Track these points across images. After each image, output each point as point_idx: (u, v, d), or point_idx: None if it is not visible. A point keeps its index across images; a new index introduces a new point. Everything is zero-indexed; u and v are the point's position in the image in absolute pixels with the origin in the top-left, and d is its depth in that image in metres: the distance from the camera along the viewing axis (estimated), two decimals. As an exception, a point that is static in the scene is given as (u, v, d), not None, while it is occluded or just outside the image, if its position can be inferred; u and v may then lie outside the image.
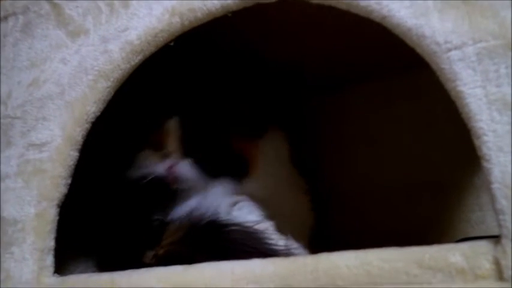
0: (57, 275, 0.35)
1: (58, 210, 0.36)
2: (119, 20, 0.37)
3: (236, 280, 0.28)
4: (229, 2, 0.34)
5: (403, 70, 0.55)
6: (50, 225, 0.35)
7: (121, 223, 0.44)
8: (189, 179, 0.44)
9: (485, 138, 0.26)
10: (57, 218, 0.36)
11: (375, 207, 0.56)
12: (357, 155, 0.59)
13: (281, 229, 0.42)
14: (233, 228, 0.40)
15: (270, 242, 0.39)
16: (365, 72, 0.58)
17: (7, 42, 0.42)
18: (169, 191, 0.44)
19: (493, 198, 0.25)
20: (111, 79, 0.37)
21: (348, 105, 0.61)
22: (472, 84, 0.27)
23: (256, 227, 0.41)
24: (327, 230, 0.53)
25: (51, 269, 0.35)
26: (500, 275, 0.24)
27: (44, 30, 0.40)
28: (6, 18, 0.43)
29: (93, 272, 0.42)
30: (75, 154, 0.36)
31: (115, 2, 0.38)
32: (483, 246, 0.25)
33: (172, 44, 0.36)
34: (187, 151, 0.44)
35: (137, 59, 0.36)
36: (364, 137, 0.59)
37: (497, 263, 0.24)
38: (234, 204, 0.44)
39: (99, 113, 0.37)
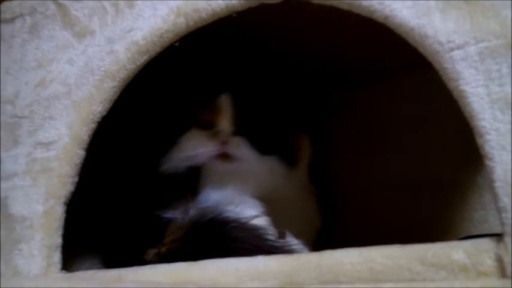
0: (65, 272, 0.36)
1: (65, 208, 0.36)
2: (124, 21, 0.38)
3: (240, 277, 0.29)
4: (233, 2, 0.34)
5: (404, 71, 0.55)
6: (58, 222, 0.36)
7: (125, 221, 0.44)
8: (242, 157, 0.42)
9: (487, 137, 0.26)
10: (64, 215, 0.36)
11: (378, 206, 0.56)
12: (359, 155, 0.59)
13: (290, 229, 0.42)
14: (234, 225, 0.40)
15: (271, 239, 0.39)
16: (367, 73, 0.58)
17: (14, 43, 0.42)
18: (192, 183, 0.43)
19: (495, 197, 0.26)
20: (117, 79, 0.37)
21: (349, 106, 0.61)
22: (475, 84, 0.27)
23: (254, 221, 0.41)
24: (330, 229, 0.53)
25: (59, 266, 0.36)
26: (502, 272, 0.24)
27: (50, 31, 0.41)
28: (13, 19, 0.43)
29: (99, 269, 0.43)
30: (81, 153, 0.37)
31: (120, 2, 0.39)
32: (485, 243, 0.25)
33: (177, 44, 0.37)
34: (239, 129, 0.43)
35: (143, 59, 0.37)
36: (366, 137, 0.60)
37: (499, 260, 0.24)
38: (236, 200, 0.44)
39: (105, 113, 0.38)
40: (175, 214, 0.42)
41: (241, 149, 0.43)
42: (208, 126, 0.44)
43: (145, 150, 0.46)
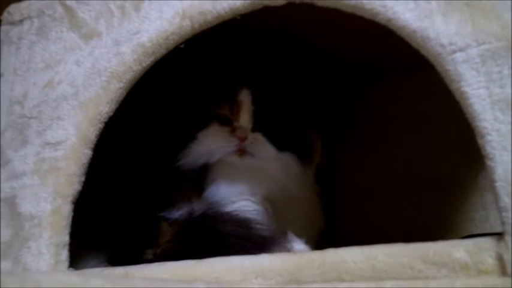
0: (72, 269, 0.36)
1: (72, 206, 0.37)
2: (130, 23, 0.39)
3: (245, 274, 0.29)
4: (237, 5, 0.35)
5: (405, 71, 0.55)
6: (65, 221, 0.36)
7: (130, 220, 0.45)
8: (260, 153, 0.43)
9: (488, 137, 0.27)
10: (71, 214, 0.37)
11: (380, 206, 0.57)
12: (362, 154, 0.60)
13: (295, 227, 0.42)
14: (222, 219, 0.40)
15: (259, 229, 0.39)
16: (367, 73, 0.58)
17: (23, 44, 0.43)
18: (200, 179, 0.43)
19: (496, 196, 0.26)
20: (124, 80, 0.38)
21: (350, 106, 0.61)
22: (476, 85, 0.28)
23: (237, 205, 0.42)
24: (333, 228, 0.53)
25: (66, 263, 0.36)
26: (503, 270, 0.25)
27: (58, 33, 0.42)
28: (21, 21, 0.44)
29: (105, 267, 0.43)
30: (89, 153, 0.38)
31: (126, 5, 0.39)
32: (486, 242, 0.26)
33: (182, 46, 0.37)
34: (257, 125, 0.43)
35: (149, 61, 0.38)
36: (369, 136, 0.60)
37: (500, 258, 0.25)
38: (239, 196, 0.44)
39: (111, 113, 0.38)
40: (179, 215, 0.43)
41: (260, 146, 0.43)
42: (227, 121, 0.44)
43: (162, 145, 0.46)
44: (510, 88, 0.27)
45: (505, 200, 0.26)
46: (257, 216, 0.43)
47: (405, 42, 0.31)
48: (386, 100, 0.59)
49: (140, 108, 0.45)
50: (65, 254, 0.36)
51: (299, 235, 0.41)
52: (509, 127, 0.26)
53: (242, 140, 0.42)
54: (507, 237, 0.25)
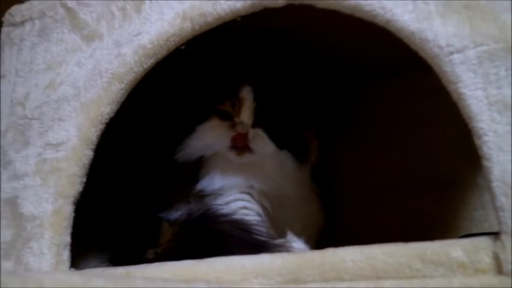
0: (73, 269, 0.37)
1: (74, 207, 0.37)
2: (131, 25, 0.39)
3: (245, 273, 0.30)
4: (238, 6, 0.35)
5: (404, 71, 0.55)
6: (67, 221, 0.37)
7: (130, 221, 0.45)
8: (259, 149, 0.43)
9: (485, 138, 0.27)
10: (73, 214, 0.37)
11: (379, 206, 0.57)
12: (362, 154, 0.60)
13: (294, 226, 0.43)
14: (222, 219, 0.41)
15: (257, 232, 0.40)
16: (367, 73, 0.59)
17: (24, 46, 0.43)
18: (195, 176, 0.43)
19: (493, 196, 0.27)
20: (125, 81, 0.38)
21: (350, 106, 0.61)
22: (473, 86, 0.28)
23: (233, 197, 0.42)
24: (331, 227, 0.53)
25: (68, 263, 0.36)
26: (499, 269, 0.25)
27: (59, 35, 0.42)
28: (23, 23, 0.44)
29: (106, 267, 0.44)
30: (90, 153, 0.38)
31: (127, 7, 0.40)
32: (483, 241, 0.26)
33: (183, 47, 0.38)
34: (258, 122, 0.44)
35: (149, 62, 0.38)
36: (369, 136, 0.60)
37: (497, 257, 0.25)
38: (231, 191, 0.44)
39: (113, 114, 0.39)
40: (179, 215, 0.43)
41: (260, 141, 0.44)
42: (227, 116, 0.45)
43: (162, 143, 0.46)
44: (507, 89, 0.27)
45: (502, 199, 0.26)
46: (255, 213, 0.43)
47: (405, 43, 0.31)
48: (387, 100, 0.59)
49: (140, 108, 0.45)
50: (66, 254, 0.36)
51: (298, 234, 0.41)
52: (506, 128, 0.27)
53: (242, 135, 0.43)
54: (504, 237, 0.25)
